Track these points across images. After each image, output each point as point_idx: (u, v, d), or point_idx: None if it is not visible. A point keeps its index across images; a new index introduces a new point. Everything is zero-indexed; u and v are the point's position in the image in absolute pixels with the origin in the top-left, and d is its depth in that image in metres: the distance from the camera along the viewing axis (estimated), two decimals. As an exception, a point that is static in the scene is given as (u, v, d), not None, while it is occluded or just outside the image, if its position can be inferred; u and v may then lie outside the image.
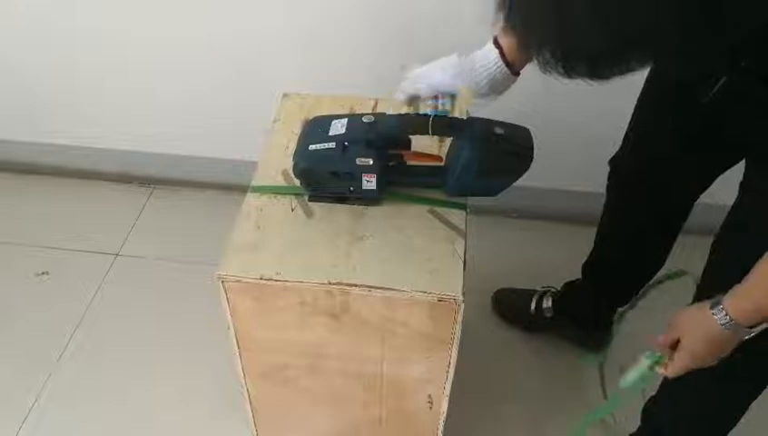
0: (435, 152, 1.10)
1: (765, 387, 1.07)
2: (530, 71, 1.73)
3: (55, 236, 1.90)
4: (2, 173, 2.08)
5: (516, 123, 1.04)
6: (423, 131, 0.99)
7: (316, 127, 1.04)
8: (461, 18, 1.58)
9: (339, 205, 1.05)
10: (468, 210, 1.06)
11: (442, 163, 1.07)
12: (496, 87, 0.96)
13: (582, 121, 1.74)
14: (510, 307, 1.67)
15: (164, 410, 1.52)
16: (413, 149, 1.05)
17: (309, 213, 1.04)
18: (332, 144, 0.99)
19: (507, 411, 1.53)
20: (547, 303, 1.60)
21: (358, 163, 1.00)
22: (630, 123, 1.25)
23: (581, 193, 1.86)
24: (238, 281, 0.96)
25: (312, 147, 1.01)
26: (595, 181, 1.83)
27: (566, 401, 1.55)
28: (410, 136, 1.04)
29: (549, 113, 1.73)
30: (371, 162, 0.99)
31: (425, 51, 1.64)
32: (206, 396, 1.52)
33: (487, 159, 1.01)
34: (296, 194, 1.07)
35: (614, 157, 1.35)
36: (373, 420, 1.17)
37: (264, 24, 1.66)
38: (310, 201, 1.06)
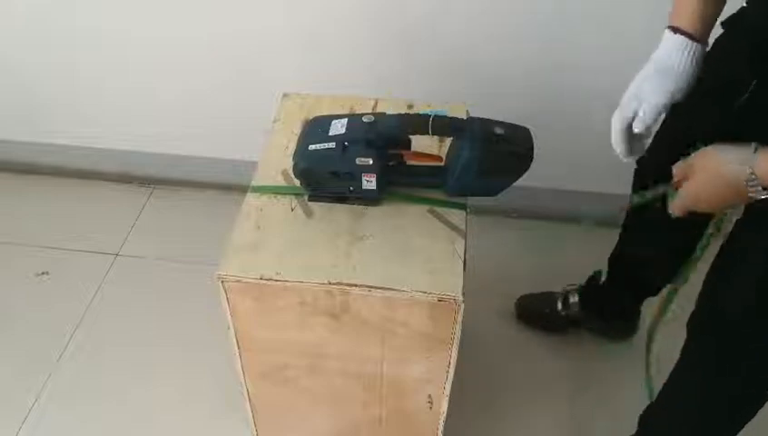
0: (435, 152, 1.10)
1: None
2: (532, 72, 1.73)
3: (55, 236, 1.90)
4: (2, 173, 2.09)
5: (517, 124, 1.04)
6: (423, 131, 0.99)
7: (316, 127, 1.04)
8: (462, 18, 1.59)
9: (339, 205, 1.05)
10: (468, 210, 1.06)
11: (442, 163, 1.07)
12: (701, 66, 0.96)
13: (582, 121, 1.74)
14: (537, 314, 1.66)
15: (164, 410, 1.51)
16: (413, 149, 1.05)
17: (309, 213, 1.04)
18: (332, 144, 0.99)
19: (507, 410, 1.53)
20: (574, 299, 1.59)
21: (358, 162, 1.00)
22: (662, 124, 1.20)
23: (581, 193, 1.86)
24: (238, 281, 0.96)
25: (312, 147, 1.01)
26: (595, 181, 1.83)
27: (567, 399, 1.55)
28: (410, 136, 1.04)
29: (549, 114, 1.73)
30: (371, 162, 0.99)
31: (425, 51, 1.66)
32: (206, 396, 1.52)
33: (486, 159, 1.00)
34: (296, 194, 1.07)
35: (640, 157, 1.32)
36: (373, 420, 1.17)
37: (264, 24, 1.66)
38: (309, 201, 1.06)
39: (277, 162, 1.12)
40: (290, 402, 1.19)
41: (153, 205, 2.01)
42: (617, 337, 1.62)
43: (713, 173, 0.90)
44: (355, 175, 1.01)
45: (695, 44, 0.94)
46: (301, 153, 1.02)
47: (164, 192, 2.05)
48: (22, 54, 1.83)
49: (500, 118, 1.05)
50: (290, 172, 1.06)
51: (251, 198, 1.07)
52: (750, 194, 0.86)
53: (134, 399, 1.54)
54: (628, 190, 1.84)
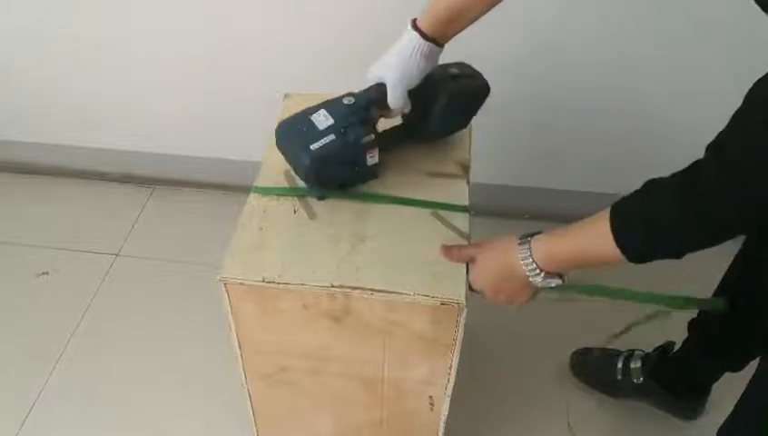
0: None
1: None
2: (534, 72, 1.73)
3: (55, 236, 1.90)
4: (2, 173, 2.08)
5: (460, 61, 1.12)
6: None
7: (299, 127, 1.02)
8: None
9: (340, 205, 1.05)
10: (472, 212, 1.06)
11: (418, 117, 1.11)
12: (429, 64, 1.03)
13: (583, 123, 1.74)
14: (593, 370, 1.56)
15: (164, 410, 1.51)
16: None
17: (311, 215, 1.04)
18: (332, 136, 1.00)
19: (508, 411, 1.53)
20: (636, 365, 1.47)
21: (362, 142, 1.02)
22: None
23: (581, 193, 1.87)
24: (240, 283, 0.96)
25: (314, 146, 0.99)
26: (596, 181, 1.83)
27: (570, 399, 1.55)
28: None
29: (551, 113, 1.73)
30: (373, 137, 1.03)
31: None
32: (207, 397, 1.52)
33: (452, 96, 1.07)
34: (299, 196, 1.07)
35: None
36: (374, 421, 1.17)
37: (264, 23, 1.66)
38: (319, 199, 1.07)
39: (279, 163, 1.12)
40: (291, 404, 1.19)
41: (153, 205, 2.01)
42: (680, 415, 1.48)
43: (494, 256, 0.93)
44: (359, 155, 1.04)
45: (427, 44, 1.00)
46: (306, 156, 0.99)
47: (164, 192, 2.05)
48: (22, 55, 1.83)
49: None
50: (293, 173, 1.07)
51: (253, 199, 1.07)
52: (529, 278, 0.90)
53: (134, 399, 1.53)
54: (626, 189, 1.85)
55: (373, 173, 1.09)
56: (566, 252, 0.88)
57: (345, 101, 1.03)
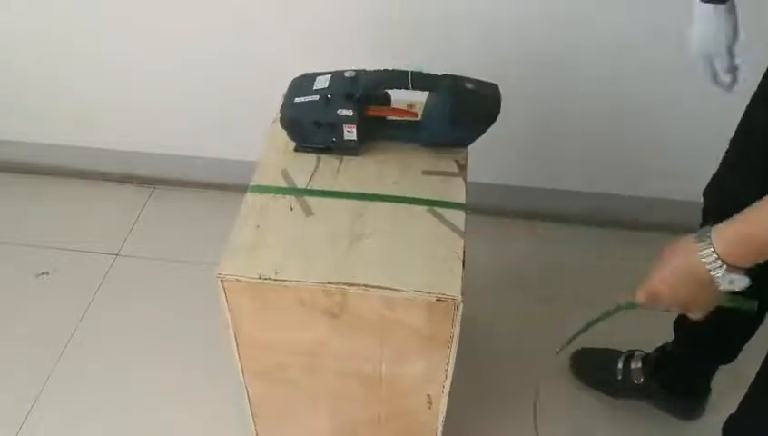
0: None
1: None
2: (535, 72, 1.73)
3: (55, 236, 1.90)
4: (2, 173, 2.09)
5: (487, 81, 1.12)
6: (403, 85, 1.07)
7: (302, 82, 1.12)
8: (467, 16, 1.59)
9: (337, 203, 1.06)
10: (468, 211, 1.06)
11: (418, 118, 1.14)
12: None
13: (584, 124, 1.74)
14: (593, 371, 1.56)
15: (164, 410, 1.51)
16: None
17: (308, 213, 1.05)
18: (316, 97, 1.08)
19: (507, 411, 1.52)
20: (637, 365, 1.46)
21: (339, 114, 1.07)
22: (736, 140, 1.13)
23: (581, 193, 1.87)
24: (237, 280, 0.96)
25: (298, 100, 1.09)
26: (596, 181, 1.84)
27: (570, 400, 1.55)
28: (389, 93, 1.12)
29: (549, 115, 1.73)
30: (352, 113, 1.07)
31: (430, 50, 1.65)
32: (206, 396, 1.52)
33: (458, 109, 1.08)
34: (295, 194, 1.07)
35: (712, 181, 1.19)
36: (372, 419, 1.17)
37: (265, 22, 1.66)
38: (296, 151, 1.13)
39: (276, 161, 1.13)
40: (289, 401, 1.19)
41: (153, 205, 2.01)
42: (680, 415, 1.48)
43: (673, 260, 0.82)
44: (337, 126, 1.08)
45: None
46: (288, 105, 1.10)
47: (164, 192, 2.05)
48: (22, 55, 1.83)
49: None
50: (290, 171, 1.07)
51: (250, 197, 1.07)
52: (711, 274, 0.78)
53: (134, 399, 1.54)
54: (624, 189, 1.85)
55: (350, 148, 1.12)
56: (756, 233, 0.75)
57: (347, 74, 1.09)
